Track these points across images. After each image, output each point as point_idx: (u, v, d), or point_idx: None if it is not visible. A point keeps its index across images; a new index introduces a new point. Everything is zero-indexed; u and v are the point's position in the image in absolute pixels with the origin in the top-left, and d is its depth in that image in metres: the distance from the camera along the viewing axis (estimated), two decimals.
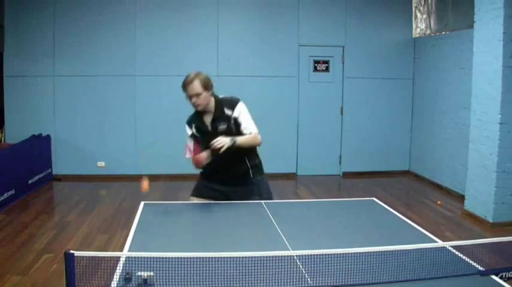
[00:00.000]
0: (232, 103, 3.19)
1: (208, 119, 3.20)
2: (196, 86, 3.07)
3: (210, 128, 3.18)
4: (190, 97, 3.11)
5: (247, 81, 7.15)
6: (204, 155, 3.04)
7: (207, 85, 3.11)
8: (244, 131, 3.15)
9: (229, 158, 3.07)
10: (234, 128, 3.15)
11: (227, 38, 7.19)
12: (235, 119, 3.15)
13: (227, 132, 3.11)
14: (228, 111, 3.16)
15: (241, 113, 3.16)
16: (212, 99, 3.19)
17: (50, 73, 7.01)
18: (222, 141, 2.94)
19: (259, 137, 3.19)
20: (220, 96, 3.25)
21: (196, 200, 3.34)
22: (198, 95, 3.08)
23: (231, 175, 3.26)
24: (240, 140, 3.06)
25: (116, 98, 7.15)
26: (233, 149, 3.00)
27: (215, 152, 2.97)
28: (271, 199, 3.35)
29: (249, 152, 3.27)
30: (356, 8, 7.47)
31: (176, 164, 7.19)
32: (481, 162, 5.25)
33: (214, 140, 2.95)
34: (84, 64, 7.05)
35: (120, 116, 7.18)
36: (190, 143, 3.23)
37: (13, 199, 5.69)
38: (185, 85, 3.10)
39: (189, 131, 3.28)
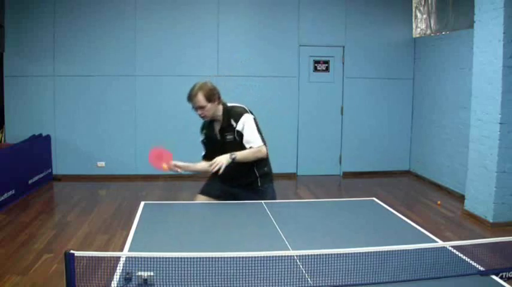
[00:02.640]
0: (238, 115, 3.19)
1: (217, 128, 3.24)
2: (200, 99, 3.11)
3: (219, 137, 3.22)
4: (195, 109, 3.16)
5: (247, 81, 7.15)
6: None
7: (210, 97, 3.14)
8: (246, 145, 3.15)
9: (237, 168, 3.10)
10: (239, 140, 3.17)
11: (227, 38, 7.18)
12: (238, 132, 3.17)
13: (233, 143, 3.15)
14: (233, 123, 3.18)
15: (244, 126, 3.16)
16: (220, 108, 3.21)
17: (50, 73, 7.02)
18: (219, 163, 2.99)
19: (263, 149, 3.18)
20: (229, 104, 3.27)
21: (202, 198, 3.35)
22: (202, 107, 3.12)
23: (240, 183, 3.28)
24: (240, 155, 3.08)
25: (116, 98, 7.15)
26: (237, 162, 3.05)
27: (215, 172, 3.02)
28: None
29: (258, 161, 3.26)
30: (356, 8, 7.47)
31: None
32: (481, 162, 5.25)
33: (212, 162, 3.00)
34: (84, 64, 7.05)
35: (120, 116, 7.18)
36: (203, 149, 3.35)
37: (13, 199, 5.69)
38: (189, 98, 3.15)
39: (200, 137, 3.39)
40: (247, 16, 7.33)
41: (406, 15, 7.62)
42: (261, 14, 7.32)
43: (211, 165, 3.00)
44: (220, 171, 2.98)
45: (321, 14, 7.42)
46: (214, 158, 3.06)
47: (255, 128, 3.19)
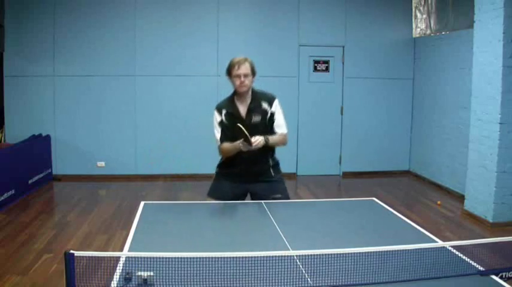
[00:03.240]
0: (270, 98, 3.23)
1: (243, 108, 3.20)
2: (248, 66, 3.12)
3: (244, 117, 3.18)
4: (237, 76, 3.10)
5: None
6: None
7: (254, 70, 3.16)
8: (276, 129, 3.20)
9: (254, 154, 3.09)
10: (268, 123, 3.18)
11: (227, 38, 7.18)
12: (272, 114, 3.18)
13: (259, 125, 3.14)
14: (265, 105, 3.19)
15: (277, 109, 3.22)
16: (250, 88, 3.20)
17: (50, 73, 7.02)
18: (260, 141, 3.00)
19: (287, 138, 3.28)
20: (256, 89, 3.27)
21: (213, 201, 3.30)
22: (246, 75, 3.11)
23: (253, 171, 3.24)
24: (272, 140, 3.13)
25: (116, 98, 7.15)
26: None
27: (251, 148, 2.99)
28: (288, 198, 3.37)
29: (273, 151, 3.31)
30: (356, 8, 7.47)
31: (176, 164, 7.27)
32: (481, 162, 5.25)
33: (254, 139, 2.98)
34: (84, 64, 7.05)
35: (120, 116, 7.18)
36: (218, 131, 3.21)
37: (13, 199, 5.69)
38: (237, 63, 3.10)
39: (218, 117, 3.22)
40: (247, 16, 7.33)
41: (406, 15, 7.62)
42: (261, 13, 7.32)
43: (254, 141, 2.97)
44: (259, 146, 2.99)
45: (321, 14, 7.42)
46: (234, 139, 3.05)
47: (283, 114, 3.25)
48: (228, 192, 3.28)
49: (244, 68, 3.10)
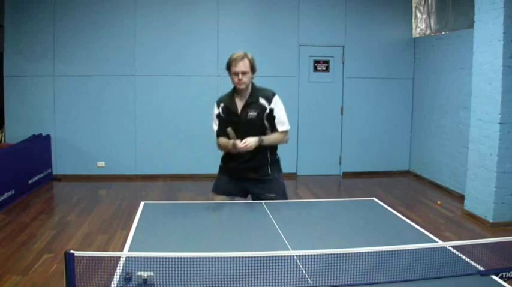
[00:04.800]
0: (269, 94, 3.21)
1: (240, 103, 3.20)
2: (247, 63, 3.10)
3: (239, 111, 3.18)
4: (235, 74, 3.10)
5: None
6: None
7: (253, 67, 3.14)
8: (277, 126, 3.19)
9: (252, 151, 3.09)
10: (266, 119, 3.17)
11: (227, 38, 7.18)
12: (272, 111, 3.16)
13: (254, 121, 3.14)
14: (262, 101, 3.17)
15: (277, 105, 3.19)
16: (249, 84, 3.19)
17: (50, 73, 7.02)
18: (249, 144, 3.00)
19: (287, 136, 3.25)
20: (257, 85, 3.27)
21: (216, 197, 3.33)
22: (244, 73, 3.09)
23: (250, 166, 3.23)
24: (267, 140, 3.12)
25: (116, 98, 7.15)
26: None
27: (239, 151, 3.00)
28: (285, 198, 3.36)
29: (272, 147, 3.29)
30: (356, 8, 7.47)
31: (176, 164, 7.27)
32: (481, 162, 5.25)
33: (242, 142, 2.98)
34: (84, 64, 7.05)
35: (120, 116, 7.18)
36: (216, 123, 3.24)
37: (13, 199, 5.69)
38: (236, 60, 3.09)
39: (216, 111, 3.27)
40: (247, 16, 7.33)
41: (406, 15, 7.62)
42: (261, 13, 7.32)
43: (241, 144, 2.97)
44: (248, 149, 3.00)
45: (321, 14, 7.42)
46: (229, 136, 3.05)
47: (284, 111, 3.23)
48: (228, 187, 3.31)
49: (243, 66, 3.08)
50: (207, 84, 7.00)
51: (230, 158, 3.27)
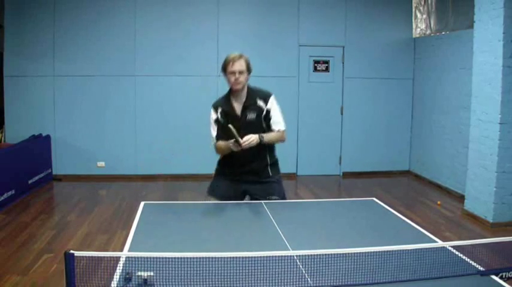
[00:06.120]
0: (266, 95, 3.20)
1: (238, 106, 3.18)
2: (243, 63, 3.10)
3: (239, 114, 3.16)
4: (232, 73, 3.08)
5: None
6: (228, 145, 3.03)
7: (249, 67, 3.14)
8: (273, 126, 3.18)
9: (251, 152, 3.07)
10: (263, 120, 3.16)
11: (227, 38, 7.18)
12: (268, 111, 3.16)
13: (254, 123, 3.12)
14: (260, 102, 3.16)
15: (273, 106, 3.18)
16: (245, 85, 3.18)
17: (50, 73, 7.01)
18: (251, 140, 2.97)
19: (285, 134, 3.24)
20: (252, 86, 3.26)
21: (213, 200, 3.29)
22: (242, 72, 3.08)
23: (250, 169, 3.23)
24: (266, 137, 3.10)
25: (116, 98, 7.15)
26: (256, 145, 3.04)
27: (241, 148, 2.97)
28: (284, 199, 3.34)
29: (271, 148, 3.28)
30: (356, 8, 7.47)
31: (176, 164, 7.27)
32: (481, 162, 5.25)
33: (245, 138, 2.95)
34: (84, 64, 7.05)
35: (120, 116, 7.18)
36: (214, 129, 3.21)
37: (13, 199, 5.69)
38: (232, 60, 3.08)
39: (214, 115, 3.23)
40: (247, 16, 7.33)
41: (406, 15, 7.62)
42: (261, 13, 7.32)
43: (244, 141, 2.94)
44: (251, 145, 2.97)
45: (321, 14, 7.42)
46: (229, 138, 3.00)
47: (280, 111, 3.23)
48: (226, 190, 3.27)
49: (239, 65, 3.07)
50: (207, 84, 6.99)
51: (228, 161, 3.25)
